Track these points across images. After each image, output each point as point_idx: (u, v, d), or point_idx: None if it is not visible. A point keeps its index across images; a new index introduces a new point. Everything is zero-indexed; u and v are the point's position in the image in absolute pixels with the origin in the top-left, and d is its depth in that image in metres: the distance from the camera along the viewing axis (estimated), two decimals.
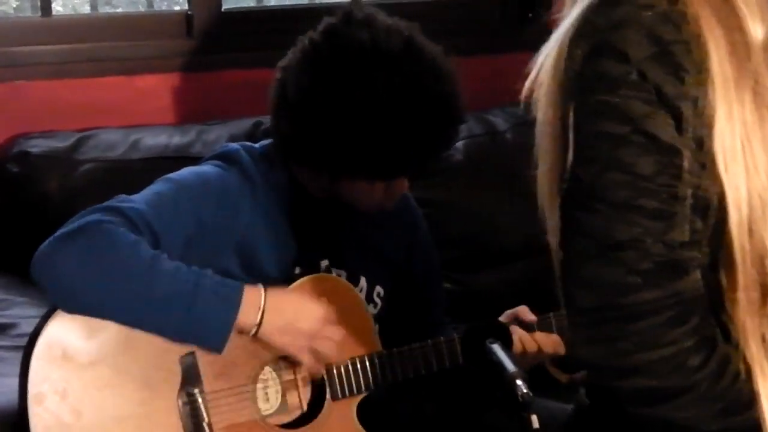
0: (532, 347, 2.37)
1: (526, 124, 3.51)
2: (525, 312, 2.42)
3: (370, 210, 2.38)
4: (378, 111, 2.20)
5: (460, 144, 3.20)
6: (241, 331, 2.16)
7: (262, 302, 2.15)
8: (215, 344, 2.13)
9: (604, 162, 1.40)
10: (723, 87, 1.38)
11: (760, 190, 1.39)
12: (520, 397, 1.70)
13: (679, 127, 1.39)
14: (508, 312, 2.45)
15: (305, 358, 2.22)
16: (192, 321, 2.11)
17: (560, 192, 1.46)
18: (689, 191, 1.39)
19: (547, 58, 1.48)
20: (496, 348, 1.86)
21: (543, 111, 1.50)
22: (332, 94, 2.22)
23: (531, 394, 1.70)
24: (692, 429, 1.44)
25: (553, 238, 1.50)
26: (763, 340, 1.42)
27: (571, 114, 1.43)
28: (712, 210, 1.40)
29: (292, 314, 2.19)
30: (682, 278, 1.40)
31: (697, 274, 1.42)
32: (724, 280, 1.43)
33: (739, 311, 1.42)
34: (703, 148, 1.39)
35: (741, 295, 1.42)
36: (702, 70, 1.38)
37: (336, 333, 2.24)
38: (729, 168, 1.39)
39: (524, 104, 1.57)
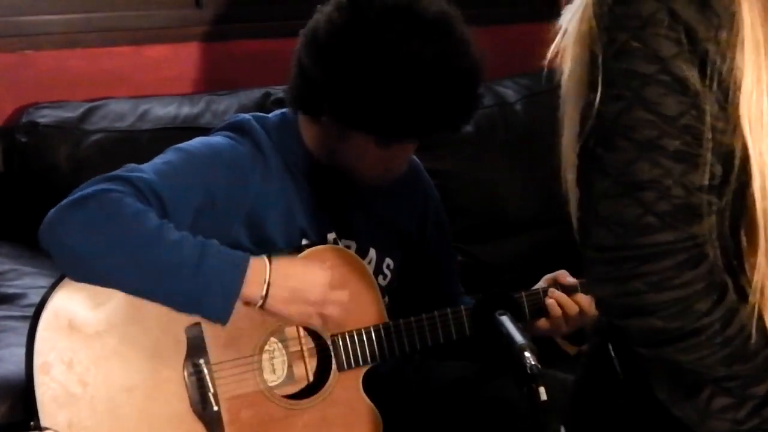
0: (573, 309, 2.37)
1: (536, 95, 3.53)
2: (565, 275, 2.41)
3: (368, 182, 2.37)
4: (395, 69, 2.20)
5: None
6: (247, 303, 2.16)
7: (267, 274, 2.15)
8: (220, 315, 2.13)
9: (630, 100, 1.40)
10: (754, 51, 1.37)
11: None
12: (528, 369, 1.70)
13: (704, 70, 1.38)
14: (548, 276, 2.45)
15: (316, 322, 2.23)
16: (197, 291, 2.11)
17: (582, 130, 1.46)
18: (710, 135, 1.39)
19: (574, 13, 1.48)
20: (505, 320, 1.85)
21: (568, 61, 1.49)
22: (359, 43, 2.22)
23: (539, 366, 1.70)
24: (696, 372, 1.46)
25: (571, 188, 1.50)
26: None
27: (600, 53, 1.42)
28: (736, 165, 1.40)
29: (297, 283, 2.19)
30: (698, 222, 1.41)
31: (712, 219, 1.42)
32: (744, 243, 1.43)
33: (758, 274, 1.42)
34: (728, 99, 1.38)
35: (761, 259, 1.42)
36: (733, 23, 1.37)
37: (342, 296, 2.24)
38: (754, 132, 1.38)
39: (546, 72, 1.57)
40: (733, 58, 1.37)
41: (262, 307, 2.17)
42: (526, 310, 2.37)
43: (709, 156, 1.40)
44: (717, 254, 1.44)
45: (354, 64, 2.22)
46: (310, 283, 2.20)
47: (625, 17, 1.40)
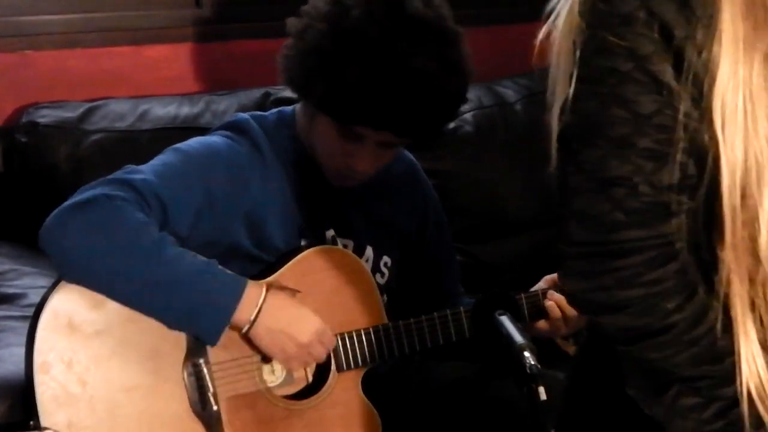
0: (572, 311, 2.36)
1: (535, 95, 3.53)
2: None
3: (333, 175, 2.36)
4: (356, 50, 2.21)
5: (469, 115, 3.20)
6: (234, 327, 2.15)
7: (261, 300, 2.15)
8: (211, 335, 2.13)
9: (606, 97, 1.40)
10: (731, 45, 1.37)
11: (757, 155, 1.38)
12: (528, 369, 1.70)
13: (680, 69, 1.38)
14: (548, 277, 2.44)
15: (294, 365, 2.22)
16: (189, 309, 2.11)
17: (559, 125, 1.47)
18: (684, 135, 1.39)
19: (562, 7, 1.48)
20: (505, 320, 1.85)
21: (556, 58, 1.49)
22: (330, 23, 2.25)
23: (539, 366, 1.70)
24: (665, 370, 1.46)
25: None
26: (752, 303, 1.42)
27: (578, 49, 1.43)
28: (709, 163, 1.40)
29: (287, 322, 2.17)
30: (667, 220, 1.41)
31: (683, 219, 1.42)
32: (715, 237, 1.43)
33: (725, 269, 1.42)
34: (702, 95, 1.39)
35: (729, 254, 1.42)
36: (712, 22, 1.37)
37: (330, 342, 2.23)
38: (726, 127, 1.38)
39: (537, 72, 1.57)
40: (709, 52, 1.37)
41: (246, 333, 2.15)
42: (525, 312, 2.37)
43: (680, 155, 1.40)
44: (687, 253, 1.44)
45: (319, 42, 2.25)
46: (301, 326, 2.19)
47: (606, 14, 1.41)
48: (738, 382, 1.42)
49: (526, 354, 1.72)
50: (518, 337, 1.78)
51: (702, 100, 1.39)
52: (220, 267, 2.15)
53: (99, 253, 2.10)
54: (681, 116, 1.39)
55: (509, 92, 3.32)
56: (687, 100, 1.39)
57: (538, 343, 1.81)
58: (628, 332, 1.44)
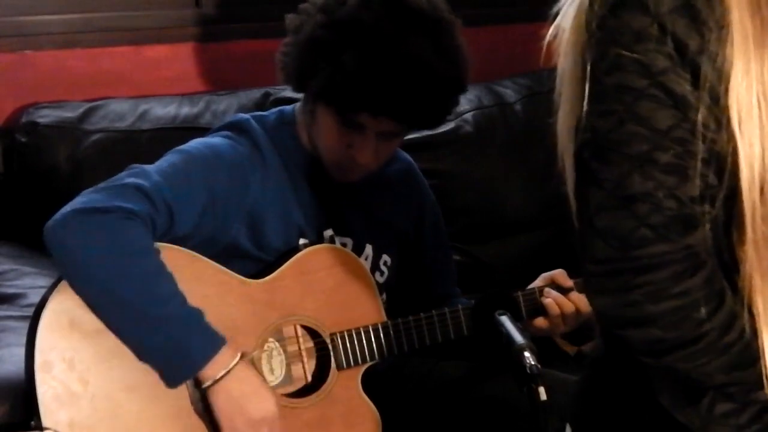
0: (569, 308, 2.37)
1: (535, 95, 3.53)
2: (562, 276, 2.41)
3: (335, 169, 2.36)
4: (353, 38, 2.23)
5: (469, 115, 3.20)
6: (196, 381, 2.14)
7: (233, 364, 2.13)
8: (174, 378, 2.12)
9: (622, 114, 1.41)
10: (742, 43, 1.38)
11: None
12: (528, 369, 1.70)
13: (696, 83, 1.39)
14: (545, 275, 2.45)
15: None
16: (165, 348, 2.10)
17: (575, 142, 1.47)
18: (703, 146, 1.40)
19: (568, 8, 1.48)
20: (505, 320, 1.86)
21: (563, 60, 1.50)
22: (325, 13, 2.27)
23: (539, 366, 1.70)
24: (696, 380, 1.46)
25: (570, 187, 1.51)
26: None
27: (590, 65, 1.43)
28: (728, 167, 1.41)
29: (247, 393, 2.14)
30: (692, 232, 1.41)
31: (707, 228, 1.43)
32: (735, 236, 1.43)
33: (747, 267, 1.43)
34: (719, 104, 1.39)
35: (750, 250, 1.42)
36: (723, 26, 1.38)
37: None
38: (743, 124, 1.39)
39: (543, 72, 1.57)
40: (723, 56, 1.38)
41: (205, 389, 2.13)
42: (523, 310, 2.37)
43: (699, 167, 1.40)
44: (714, 261, 1.44)
45: (315, 32, 2.27)
46: (258, 402, 2.15)
47: (616, 32, 1.41)
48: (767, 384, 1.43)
49: (526, 354, 1.72)
50: (518, 337, 1.79)
51: (717, 105, 1.39)
52: (206, 320, 2.13)
53: (97, 258, 2.10)
54: (699, 128, 1.39)
55: (509, 92, 3.32)
56: (704, 110, 1.39)
57: (538, 342, 1.81)
58: (658, 344, 1.44)
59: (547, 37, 1.53)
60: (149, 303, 2.10)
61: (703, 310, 1.42)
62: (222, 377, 2.12)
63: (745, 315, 1.43)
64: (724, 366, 1.44)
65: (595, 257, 1.45)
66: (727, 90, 1.38)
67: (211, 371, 2.12)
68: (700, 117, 1.39)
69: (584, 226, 1.46)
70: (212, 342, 2.12)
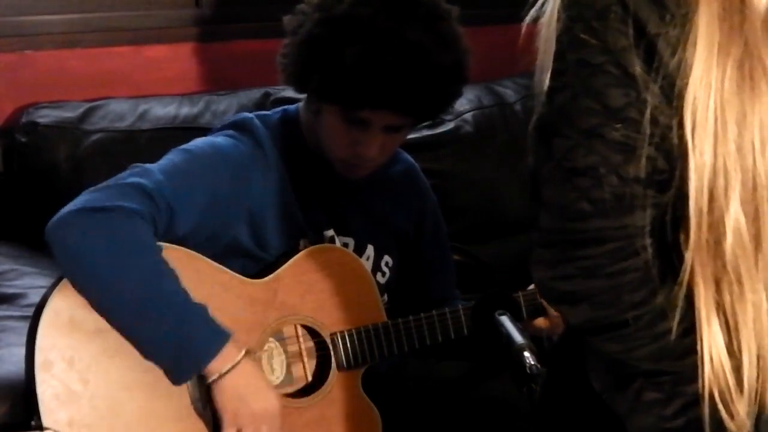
0: None
1: (535, 95, 3.51)
2: None
3: (343, 167, 2.36)
4: (351, 34, 2.23)
5: (469, 115, 3.21)
6: (202, 376, 2.14)
7: (239, 359, 2.13)
8: (180, 374, 2.12)
9: (577, 88, 1.41)
10: (706, 48, 1.38)
11: (725, 161, 1.39)
12: (528, 369, 1.71)
13: (650, 62, 1.39)
14: None
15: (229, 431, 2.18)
16: (171, 344, 2.10)
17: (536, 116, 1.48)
18: (654, 129, 1.40)
19: (547, 5, 1.49)
20: (505, 320, 1.86)
21: (541, 56, 1.51)
22: (322, 11, 2.28)
23: (539, 366, 1.71)
24: (627, 364, 1.46)
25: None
26: (717, 306, 1.42)
27: (555, 42, 1.45)
28: (677, 170, 1.41)
29: (252, 388, 2.15)
30: (632, 213, 1.41)
31: (648, 214, 1.42)
32: (681, 237, 1.43)
33: (689, 270, 1.42)
34: (673, 95, 1.39)
35: (693, 255, 1.41)
36: (687, 23, 1.38)
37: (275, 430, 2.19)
38: (696, 131, 1.39)
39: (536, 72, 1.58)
40: (683, 52, 1.38)
41: (210, 384, 2.13)
42: (523, 310, 2.37)
43: (648, 149, 1.40)
44: (653, 251, 1.44)
45: (313, 31, 2.27)
46: (261, 397, 2.15)
47: (583, 7, 1.42)
48: (700, 384, 1.42)
49: (526, 354, 1.73)
50: (518, 338, 1.79)
51: (674, 99, 1.39)
52: (210, 315, 2.14)
53: (100, 257, 2.10)
54: (651, 110, 1.39)
55: (509, 92, 3.32)
56: (658, 95, 1.39)
57: (538, 342, 1.81)
58: (589, 323, 1.44)
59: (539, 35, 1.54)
60: (153, 300, 2.10)
61: (635, 294, 1.42)
62: (228, 371, 2.12)
63: (685, 314, 1.43)
64: (653, 354, 1.44)
65: (538, 226, 1.46)
66: (683, 90, 1.38)
67: (217, 365, 2.12)
68: (652, 100, 1.39)
69: (535, 196, 1.47)
70: (218, 337, 2.12)
